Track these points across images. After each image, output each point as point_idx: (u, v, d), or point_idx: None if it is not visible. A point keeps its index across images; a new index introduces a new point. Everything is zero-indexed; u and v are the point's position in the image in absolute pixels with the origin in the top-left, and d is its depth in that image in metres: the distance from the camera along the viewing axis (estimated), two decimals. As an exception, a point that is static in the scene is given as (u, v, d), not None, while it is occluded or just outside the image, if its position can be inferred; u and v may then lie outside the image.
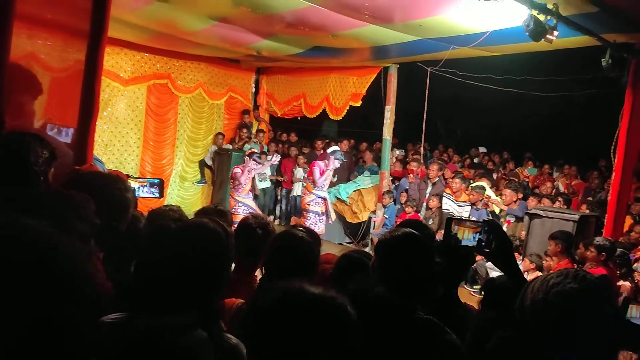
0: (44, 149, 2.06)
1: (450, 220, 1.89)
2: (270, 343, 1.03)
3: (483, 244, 1.82)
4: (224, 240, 1.62)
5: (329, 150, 7.89)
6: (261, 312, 1.09)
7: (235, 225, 2.64)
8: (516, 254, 6.32)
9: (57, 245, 0.82)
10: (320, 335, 1.03)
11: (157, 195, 2.57)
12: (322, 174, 7.45)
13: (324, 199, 7.59)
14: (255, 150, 8.18)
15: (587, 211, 6.51)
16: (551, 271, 4.66)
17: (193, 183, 10.07)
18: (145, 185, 2.55)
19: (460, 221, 1.93)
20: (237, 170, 7.36)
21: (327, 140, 10.42)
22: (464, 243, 1.92)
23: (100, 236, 1.46)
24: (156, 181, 2.60)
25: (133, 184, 2.44)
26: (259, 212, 7.58)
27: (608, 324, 1.04)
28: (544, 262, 5.39)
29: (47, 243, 0.81)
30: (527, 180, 8.90)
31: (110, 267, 1.84)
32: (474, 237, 1.86)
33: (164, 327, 1.24)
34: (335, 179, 9.11)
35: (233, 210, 7.10)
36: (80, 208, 1.31)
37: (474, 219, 1.99)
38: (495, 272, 6.20)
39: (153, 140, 9.46)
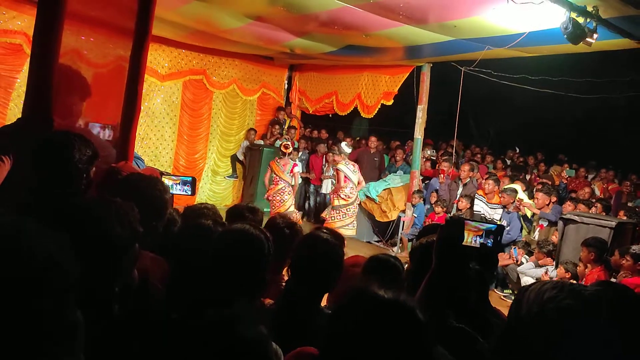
0: (88, 148, 2.19)
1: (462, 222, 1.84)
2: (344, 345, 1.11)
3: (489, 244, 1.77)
4: (265, 246, 1.71)
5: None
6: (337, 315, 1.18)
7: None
8: (549, 260, 6.23)
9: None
10: (392, 337, 1.10)
11: (189, 192, 2.63)
12: (345, 180, 7.50)
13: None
14: (287, 144, 8.26)
15: (625, 218, 6.34)
16: (583, 279, 4.51)
17: (224, 177, 10.24)
18: (178, 183, 2.62)
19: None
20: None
21: (357, 138, 10.39)
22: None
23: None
24: (188, 179, 2.66)
25: (166, 181, 2.51)
26: (293, 191, 7.74)
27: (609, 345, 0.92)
28: (578, 268, 5.30)
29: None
30: (565, 182, 8.64)
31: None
32: (474, 240, 1.81)
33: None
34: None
35: (272, 184, 7.54)
36: (122, 215, 1.38)
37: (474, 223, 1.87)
38: (528, 278, 6.12)
39: (187, 134, 9.67)
